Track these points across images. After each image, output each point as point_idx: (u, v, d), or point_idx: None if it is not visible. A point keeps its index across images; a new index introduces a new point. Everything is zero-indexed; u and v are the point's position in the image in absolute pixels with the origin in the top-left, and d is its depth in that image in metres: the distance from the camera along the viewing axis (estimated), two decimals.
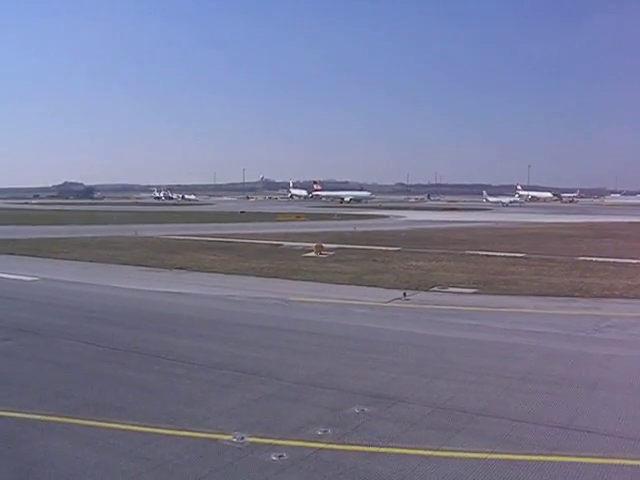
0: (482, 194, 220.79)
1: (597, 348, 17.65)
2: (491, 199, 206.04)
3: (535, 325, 20.46)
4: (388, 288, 27.85)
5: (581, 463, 9.87)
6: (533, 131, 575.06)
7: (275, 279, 30.51)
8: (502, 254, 42.58)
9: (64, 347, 17.38)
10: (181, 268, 34.61)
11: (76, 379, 14.21)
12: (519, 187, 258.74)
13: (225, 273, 32.67)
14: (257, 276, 31.53)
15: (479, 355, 16.55)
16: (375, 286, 28.52)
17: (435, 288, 28.03)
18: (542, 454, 10.13)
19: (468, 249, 46.01)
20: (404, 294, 25.35)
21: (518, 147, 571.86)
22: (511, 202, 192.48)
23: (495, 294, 26.70)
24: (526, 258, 40.71)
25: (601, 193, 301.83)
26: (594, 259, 40.06)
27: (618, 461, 9.92)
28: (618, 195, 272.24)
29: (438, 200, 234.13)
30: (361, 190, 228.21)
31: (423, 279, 30.39)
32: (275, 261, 37.38)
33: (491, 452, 10.14)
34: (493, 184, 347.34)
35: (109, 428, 11.09)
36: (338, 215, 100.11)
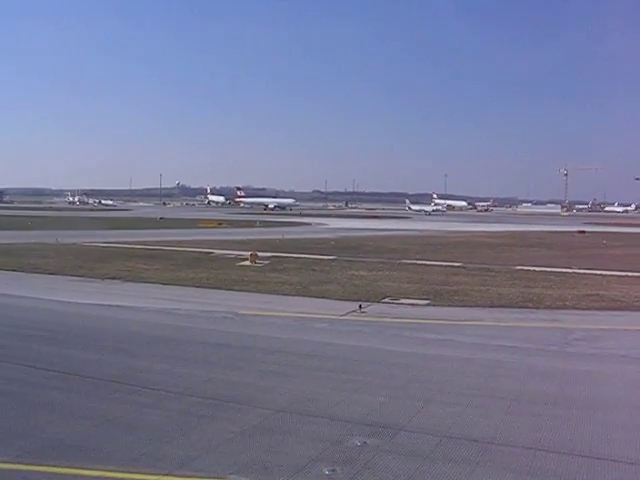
0: (403, 202, 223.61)
1: (577, 364, 17.14)
2: (414, 207, 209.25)
3: (503, 339, 19.81)
4: (338, 300, 26.83)
5: None
6: (450, 141, 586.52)
7: (217, 290, 28.90)
8: (439, 263, 42.32)
9: (1, 372, 15.21)
10: (114, 278, 32.44)
11: (26, 412, 12.16)
12: (435, 196, 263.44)
13: (162, 284, 30.75)
14: (197, 287, 29.80)
15: (461, 374, 15.63)
16: (324, 297, 27.43)
17: (386, 299, 27.18)
18: None
19: (402, 258, 45.56)
20: (360, 306, 24.31)
21: (436, 156, 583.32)
22: (433, 211, 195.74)
23: (449, 305, 26.12)
24: (464, 267, 40.55)
25: (513, 202, 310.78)
26: (531, 268, 40.30)
27: None
28: (529, 204, 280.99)
29: (355, 208, 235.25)
30: (275, 197, 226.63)
31: (371, 290, 29.50)
32: (211, 270, 35.68)
33: None
34: (409, 192, 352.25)
35: (82, 476, 9.44)
36: (260, 222, 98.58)
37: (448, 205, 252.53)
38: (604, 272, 38.84)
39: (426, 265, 41.41)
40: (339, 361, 16.60)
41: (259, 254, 41.96)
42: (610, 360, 17.70)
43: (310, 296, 27.73)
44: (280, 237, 64.86)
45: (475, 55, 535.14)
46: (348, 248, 54.94)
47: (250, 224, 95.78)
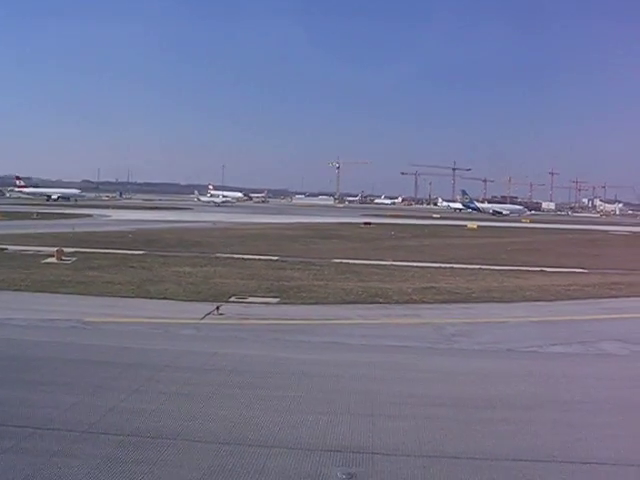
0: (176, 193, 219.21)
1: (480, 361, 16.86)
2: (203, 198, 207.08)
3: (388, 338, 19.23)
4: (184, 301, 24.72)
5: None
6: (228, 135, 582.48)
7: (42, 294, 25.03)
8: (255, 257, 41.12)
9: None
10: None
11: None
12: (211, 187, 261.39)
13: None
14: (16, 290, 25.68)
15: (382, 381, 14.44)
16: (167, 298, 25.06)
17: (233, 299, 25.43)
18: None
19: (214, 252, 43.68)
20: (217, 308, 22.34)
21: (214, 149, 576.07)
22: (223, 202, 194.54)
23: (302, 303, 25.03)
24: (285, 261, 39.80)
25: (286, 194, 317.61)
26: (349, 261, 40.56)
27: None
28: (302, 196, 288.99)
29: (130, 199, 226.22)
30: (37, 186, 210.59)
31: (210, 288, 27.56)
32: (18, 270, 31.07)
33: None
34: (181, 182, 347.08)
35: None
36: (38, 214, 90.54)
37: (224, 196, 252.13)
38: (418, 264, 40.15)
39: (244, 259, 40.04)
40: (243, 375, 14.62)
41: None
42: (505, 355, 17.86)
43: (151, 297, 25.13)
44: (71, 230, 59.59)
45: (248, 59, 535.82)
46: (150, 241, 51.66)
47: (26, 216, 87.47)
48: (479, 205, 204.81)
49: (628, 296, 29.25)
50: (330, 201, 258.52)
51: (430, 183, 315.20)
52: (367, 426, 11.30)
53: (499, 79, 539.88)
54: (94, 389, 12.97)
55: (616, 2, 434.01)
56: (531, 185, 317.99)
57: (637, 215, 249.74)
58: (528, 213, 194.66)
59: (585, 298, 28.22)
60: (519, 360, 17.24)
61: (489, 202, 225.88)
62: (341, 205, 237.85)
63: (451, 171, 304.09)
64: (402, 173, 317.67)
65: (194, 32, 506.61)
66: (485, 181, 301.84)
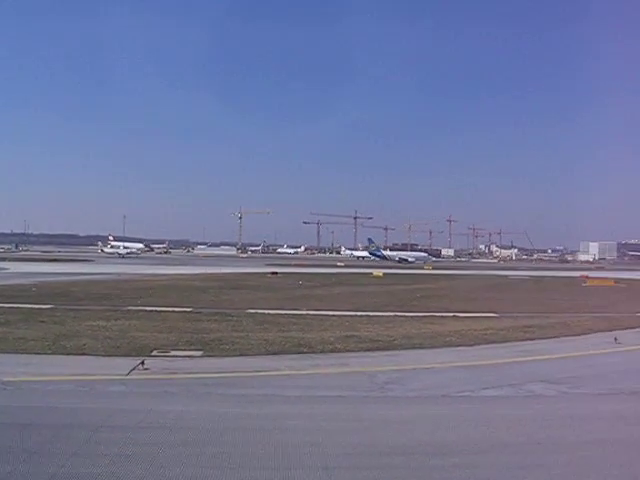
0: (76, 245, 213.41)
1: (417, 408, 17.03)
2: (106, 250, 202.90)
3: (323, 389, 19.00)
4: (104, 356, 23.66)
5: None
6: (128, 182, 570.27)
7: None
8: (169, 309, 40.25)
9: None
10: None
11: None
12: (111, 237, 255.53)
13: None
14: None
15: (328, 432, 14.28)
16: (85, 354, 23.88)
17: (155, 352, 24.63)
18: None
19: (125, 305, 42.34)
20: (142, 362, 21.58)
21: (112, 198, 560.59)
22: (127, 253, 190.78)
23: (226, 356, 24.52)
24: (200, 313, 39.08)
25: (187, 244, 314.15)
26: (264, 311, 40.27)
27: None
28: (204, 246, 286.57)
29: (28, 250, 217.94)
30: None
31: (129, 342, 26.55)
32: None
33: None
34: (81, 234, 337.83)
35: None
36: None
37: (124, 247, 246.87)
38: (334, 312, 40.30)
39: (158, 311, 38.97)
40: (184, 432, 14.03)
41: None
42: (442, 401, 17.93)
43: (68, 353, 23.92)
44: None
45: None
46: (56, 295, 49.70)
47: None
48: (385, 253, 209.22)
49: (541, 338, 30.38)
50: (232, 251, 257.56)
51: (332, 232, 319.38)
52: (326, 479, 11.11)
53: (399, 132, 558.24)
54: (29, 455, 12.15)
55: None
56: (430, 232, 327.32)
57: (531, 260, 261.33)
58: (432, 260, 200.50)
59: (502, 342, 29.02)
60: (456, 405, 17.45)
61: (391, 250, 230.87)
62: (244, 255, 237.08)
63: (352, 220, 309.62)
64: (304, 222, 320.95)
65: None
66: (386, 229, 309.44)
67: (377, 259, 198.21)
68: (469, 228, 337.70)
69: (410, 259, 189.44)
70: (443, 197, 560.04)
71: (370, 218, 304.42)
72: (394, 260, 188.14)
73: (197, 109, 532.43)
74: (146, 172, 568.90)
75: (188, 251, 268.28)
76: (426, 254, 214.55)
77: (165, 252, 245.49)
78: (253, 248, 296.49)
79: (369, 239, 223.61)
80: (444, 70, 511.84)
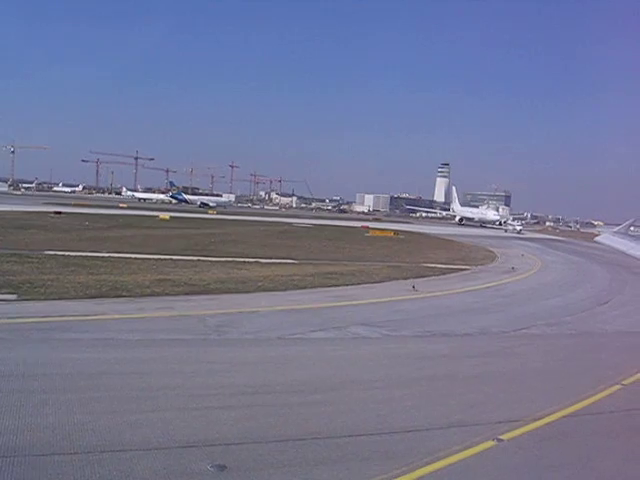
0: None
1: (270, 350, 18.06)
2: None
3: (158, 332, 19.45)
4: None
5: None
6: None
7: None
8: None
9: None
10: None
11: None
12: None
13: None
14: None
15: (184, 374, 14.73)
16: None
17: None
18: None
19: None
20: None
21: None
22: None
23: (46, 299, 23.52)
24: (1, 255, 36.68)
25: None
26: (63, 253, 38.86)
27: None
28: None
29: None
30: None
31: None
32: None
33: None
34: None
35: None
36: None
37: None
38: (136, 255, 39.89)
39: None
40: (40, 379, 13.58)
41: None
42: (280, 343, 19.12)
43: None
44: None
45: None
46: None
47: None
48: (187, 197, 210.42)
49: (346, 285, 32.63)
50: (4, 187, 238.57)
51: (112, 172, 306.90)
52: (202, 420, 11.65)
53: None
54: None
55: None
56: (212, 177, 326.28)
57: (311, 208, 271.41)
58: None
59: (312, 287, 30.79)
60: (294, 346, 18.71)
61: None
62: (18, 192, 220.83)
63: (134, 160, 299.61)
64: (83, 160, 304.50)
65: None
66: (167, 171, 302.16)
67: (179, 202, 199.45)
68: (251, 174, 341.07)
69: (212, 204, 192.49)
70: (226, 143, 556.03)
71: (152, 159, 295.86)
72: (195, 204, 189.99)
73: None
74: None
75: None
76: (228, 199, 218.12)
77: None
78: (26, 185, 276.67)
79: (171, 182, 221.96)
80: None
